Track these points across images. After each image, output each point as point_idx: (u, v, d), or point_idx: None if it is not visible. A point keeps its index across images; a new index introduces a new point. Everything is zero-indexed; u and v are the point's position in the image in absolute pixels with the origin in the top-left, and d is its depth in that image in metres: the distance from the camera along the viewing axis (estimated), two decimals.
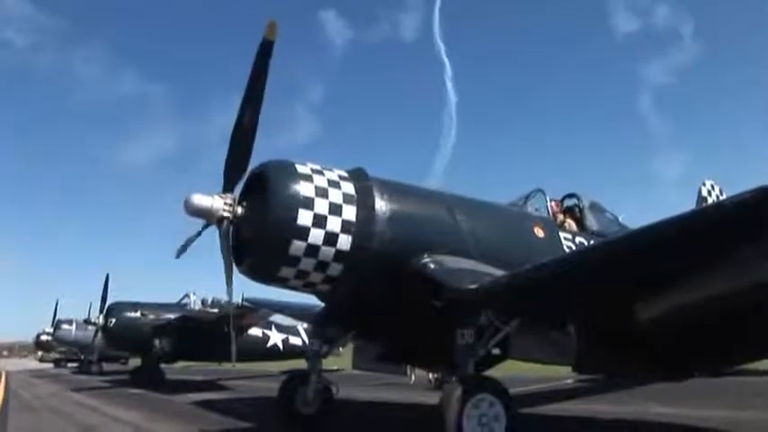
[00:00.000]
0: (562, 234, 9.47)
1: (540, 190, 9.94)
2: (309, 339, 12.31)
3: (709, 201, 15.93)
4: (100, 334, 22.62)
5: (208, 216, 7.10)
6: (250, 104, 7.03)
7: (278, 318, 20.84)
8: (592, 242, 9.40)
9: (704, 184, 16.48)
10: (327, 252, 7.16)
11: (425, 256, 7.57)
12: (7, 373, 35.45)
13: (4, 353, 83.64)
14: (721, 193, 16.34)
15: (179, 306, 22.13)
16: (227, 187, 7.17)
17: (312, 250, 7.09)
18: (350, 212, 7.29)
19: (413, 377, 17.76)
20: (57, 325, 35.56)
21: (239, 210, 7.11)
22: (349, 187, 7.45)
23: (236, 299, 18.87)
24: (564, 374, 12.46)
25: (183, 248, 7.76)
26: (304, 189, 7.11)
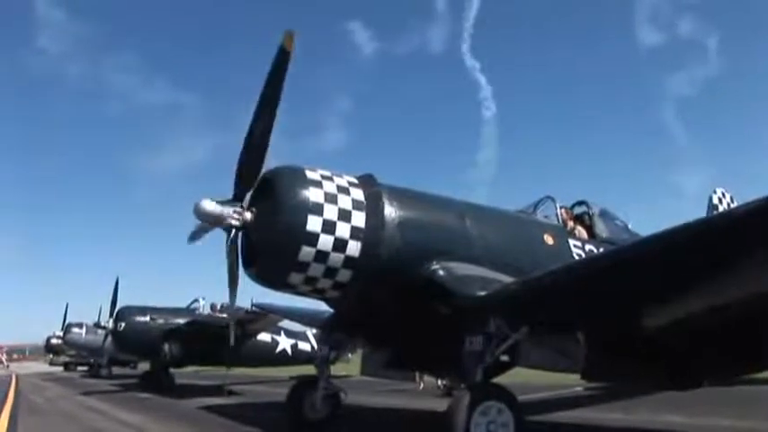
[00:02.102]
0: (572, 241, 9.45)
1: (549, 197, 9.92)
2: (318, 345, 12.30)
3: (720, 208, 15.87)
4: (109, 338, 22.67)
5: (217, 221, 7.13)
6: (263, 114, 7.01)
7: (287, 323, 20.81)
8: (601, 250, 9.37)
9: (715, 192, 16.42)
10: (336, 258, 7.17)
11: (434, 262, 7.57)
12: (17, 377, 35.62)
13: (15, 356, 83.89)
14: (732, 201, 16.27)
15: (188, 311, 22.16)
16: (238, 194, 7.19)
17: (321, 256, 7.09)
18: (359, 219, 7.29)
19: (421, 384, 17.75)
20: (67, 328, 35.63)
21: (248, 215, 7.13)
22: (358, 193, 7.45)
23: (246, 304, 18.99)
24: (573, 382, 12.40)
25: (195, 235, 7.78)
26: (313, 195, 7.12)
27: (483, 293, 7.14)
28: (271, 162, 7.26)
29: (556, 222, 9.68)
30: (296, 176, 7.26)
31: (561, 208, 9.96)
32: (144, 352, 22.72)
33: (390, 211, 7.53)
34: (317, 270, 7.18)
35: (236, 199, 7.16)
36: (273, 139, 7.10)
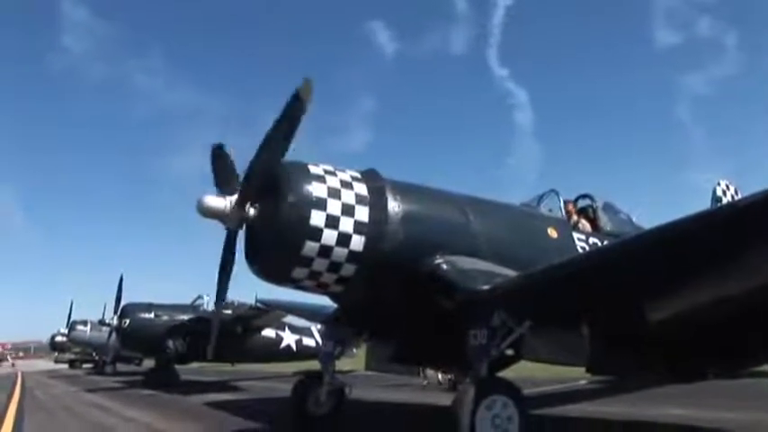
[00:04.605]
0: (575, 235, 9.44)
1: (553, 190, 9.90)
2: (322, 340, 12.31)
3: (724, 201, 15.84)
4: (114, 335, 22.75)
5: (220, 217, 7.13)
6: (272, 147, 6.88)
7: (291, 319, 20.86)
8: (605, 243, 9.35)
9: (719, 184, 16.37)
10: (340, 253, 7.17)
11: (438, 256, 7.56)
12: (23, 374, 35.74)
13: (20, 354, 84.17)
14: (736, 193, 16.23)
15: (192, 307, 22.20)
16: (243, 193, 7.15)
17: (325, 251, 7.09)
18: (362, 213, 7.28)
19: (426, 378, 17.77)
20: (72, 326, 35.77)
21: (252, 211, 7.13)
22: (362, 188, 7.45)
23: (250, 300, 19.02)
24: (578, 375, 12.40)
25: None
26: (317, 190, 7.11)
27: (487, 287, 7.11)
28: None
29: (560, 216, 9.65)
30: (299, 171, 7.25)
31: (565, 201, 9.94)
32: (149, 348, 22.82)
33: (394, 206, 7.52)
34: (320, 265, 7.18)
35: (241, 197, 7.15)
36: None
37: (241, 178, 7.33)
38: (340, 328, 9.71)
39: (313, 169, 7.32)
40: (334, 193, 7.19)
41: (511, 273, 7.55)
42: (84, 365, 45.75)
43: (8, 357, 71.51)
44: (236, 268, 7.49)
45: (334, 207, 7.12)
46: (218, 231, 7.41)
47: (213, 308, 21.30)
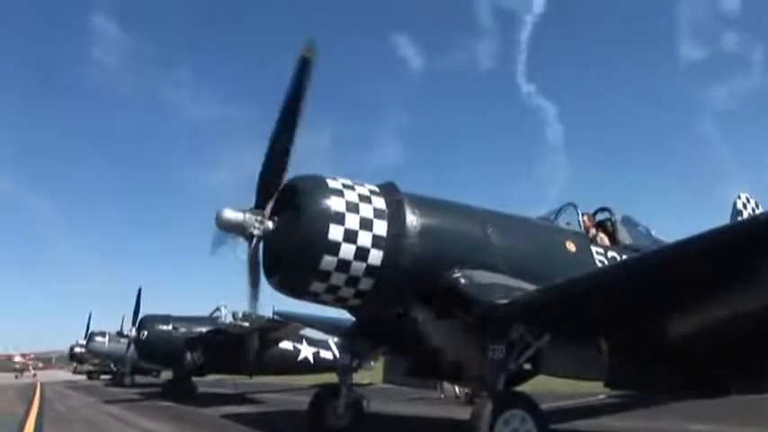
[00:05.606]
0: (594, 248, 9.38)
1: (571, 204, 9.85)
2: (340, 353, 12.31)
3: (745, 214, 15.69)
4: (132, 346, 22.84)
5: (238, 230, 7.17)
6: (286, 123, 7.09)
7: (309, 331, 20.84)
8: (624, 256, 9.30)
9: (739, 197, 16.20)
10: (358, 267, 7.17)
11: (456, 270, 7.55)
12: (42, 385, 35.95)
13: (40, 364, 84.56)
14: (757, 206, 16.07)
15: (210, 319, 22.25)
16: (260, 202, 7.23)
17: (343, 265, 7.10)
18: (381, 227, 7.29)
19: (443, 392, 17.71)
20: (90, 337, 35.94)
21: (270, 224, 7.16)
22: (380, 202, 7.45)
23: (267, 312, 19.01)
24: (596, 390, 12.30)
25: (216, 242, 7.79)
26: (335, 204, 7.13)
27: (505, 301, 7.10)
28: (292, 172, 7.34)
29: (578, 229, 9.60)
30: (317, 185, 7.28)
31: (583, 215, 9.88)
32: (167, 360, 22.83)
33: (412, 220, 7.52)
34: (338, 279, 7.19)
35: (258, 208, 7.21)
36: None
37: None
38: (357, 342, 9.72)
39: (331, 183, 7.35)
40: (352, 208, 7.20)
41: (529, 287, 7.53)
42: (103, 377, 45.87)
43: (30, 368, 72.07)
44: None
45: (352, 221, 7.14)
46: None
47: (231, 320, 21.63)
